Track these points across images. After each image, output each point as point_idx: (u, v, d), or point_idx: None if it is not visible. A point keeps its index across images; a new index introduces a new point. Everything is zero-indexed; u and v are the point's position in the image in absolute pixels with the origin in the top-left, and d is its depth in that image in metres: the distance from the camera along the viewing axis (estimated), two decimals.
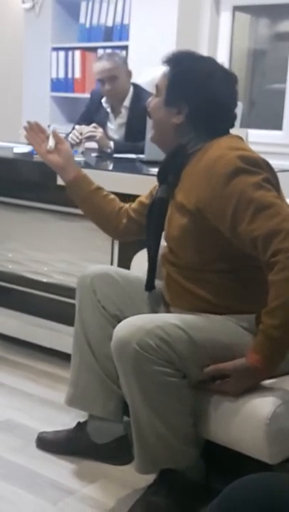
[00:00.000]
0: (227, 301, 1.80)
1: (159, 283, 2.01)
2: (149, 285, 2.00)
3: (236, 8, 4.51)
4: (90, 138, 3.36)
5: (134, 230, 2.13)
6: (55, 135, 2.13)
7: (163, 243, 1.96)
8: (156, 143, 1.95)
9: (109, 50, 4.23)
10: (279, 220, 1.62)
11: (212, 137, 1.81)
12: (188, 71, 1.83)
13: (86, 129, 3.37)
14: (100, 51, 4.63)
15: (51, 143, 2.11)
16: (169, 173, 1.88)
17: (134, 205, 2.14)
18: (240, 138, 1.85)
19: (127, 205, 2.16)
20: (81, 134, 3.37)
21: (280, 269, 1.59)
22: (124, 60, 3.53)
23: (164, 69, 1.88)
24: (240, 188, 1.66)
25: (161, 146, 1.94)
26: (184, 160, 1.83)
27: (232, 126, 1.87)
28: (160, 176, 1.93)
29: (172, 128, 1.86)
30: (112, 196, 2.17)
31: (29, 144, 2.20)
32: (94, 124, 3.41)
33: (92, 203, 2.15)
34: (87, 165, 2.91)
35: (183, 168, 1.84)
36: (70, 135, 3.44)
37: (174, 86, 1.84)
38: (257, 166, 1.71)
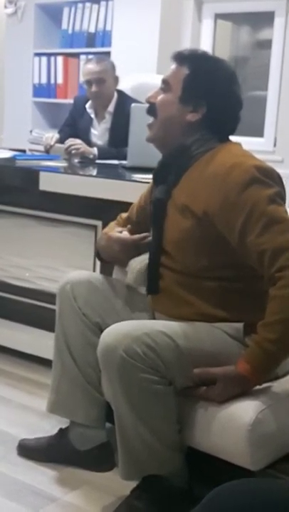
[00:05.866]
0: (219, 310, 1.79)
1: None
2: (153, 289, 1.91)
3: (218, 16, 4.54)
4: (74, 153, 3.38)
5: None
6: None
7: None
8: (157, 141, 1.88)
9: (91, 56, 4.24)
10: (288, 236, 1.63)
11: (218, 141, 1.81)
12: (213, 71, 1.81)
13: (66, 143, 3.39)
14: (83, 57, 4.64)
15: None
16: (169, 173, 1.85)
17: (132, 211, 2.08)
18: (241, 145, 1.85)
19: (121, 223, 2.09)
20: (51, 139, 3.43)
21: (283, 285, 1.60)
22: (113, 66, 3.56)
23: (173, 65, 1.84)
24: (253, 199, 1.66)
25: (161, 144, 1.88)
26: (187, 162, 1.81)
27: (234, 131, 1.86)
28: (158, 176, 1.90)
29: (182, 126, 1.81)
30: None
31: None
32: (70, 140, 3.41)
33: None
34: (69, 171, 2.91)
35: (186, 169, 1.81)
36: (43, 139, 3.47)
37: (195, 83, 1.80)
38: (271, 179, 1.70)
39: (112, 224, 2.15)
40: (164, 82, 1.85)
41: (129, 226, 2.00)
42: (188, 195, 1.78)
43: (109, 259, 2.07)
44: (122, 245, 1.95)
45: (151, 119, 1.87)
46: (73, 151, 3.36)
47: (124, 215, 2.14)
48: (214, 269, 1.78)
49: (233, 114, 1.84)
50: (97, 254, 2.09)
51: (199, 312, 1.80)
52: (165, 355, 1.68)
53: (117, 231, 2.00)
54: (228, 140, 1.85)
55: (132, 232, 1.98)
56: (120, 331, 1.71)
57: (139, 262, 2.04)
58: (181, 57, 1.84)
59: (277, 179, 1.73)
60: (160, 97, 1.85)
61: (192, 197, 1.77)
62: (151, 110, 1.87)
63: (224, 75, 1.82)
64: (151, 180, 1.98)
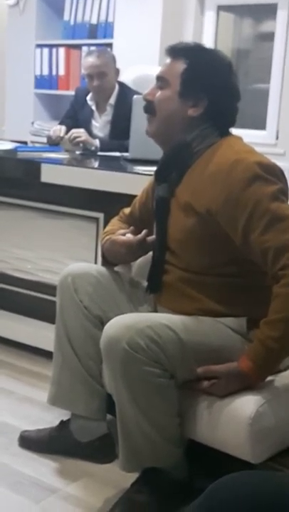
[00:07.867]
0: (223, 305, 1.79)
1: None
2: (154, 287, 1.92)
3: (220, 8, 4.52)
4: (76, 141, 3.37)
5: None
6: None
7: None
8: (158, 137, 1.85)
9: (93, 48, 4.22)
10: None
11: (219, 135, 1.79)
12: (211, 63, 1.79)
13: (69, 134, 3.39)
14: (85, 48, 4.63)
15: None
16: (172, 171, 1.82)
17: (135, 207, 2.07)
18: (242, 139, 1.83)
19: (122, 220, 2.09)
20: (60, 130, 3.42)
21: (286, 283, 1.60)
22: (114, 58, 3.55)
23: (167, 60, 1.81)
24: (256, 196, 1.64)
25: (162, 141, 1.86)
26: (189, 159, 1.79)
27: (234, 123, 1.84)
28: (160, 174, 1.88)
29: (183, 121, 1.79)
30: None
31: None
32: (73, 130, 3.42)
33: None
34: (71, 163, 2.91)
35: (188, 166, 1.79)
36: (51, 132, 3.46)
37: (194, 77, 1.77)
38: (274, 175, 1.68)
39: (115, 220, 2.14)
40: (160, 78, 1.82)
41: (132, 228, 1.98)
42: (190, 194, 1.77)
43: (116, 261, 2.06)
44: (128, 248, 1.93)
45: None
46: (77, 139, 3.35)
47: (126, 210, 2.13)
48: (218, 266, 1.77)
49: (233, 106, 1.82)
50: (103, 257, 2.07)
51: (203, 308, 1.79)
52: (168, 349, 1.68)
53: (120, 233, 1.98)
54: (229, 133, 1.84)
55: (136, 230, 1.96)
56: (123, 323, 1.71)
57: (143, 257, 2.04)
58: (175, 51, 1.81)
59: (280, 175, 1.71)
60: (158, 94, 1.82)
61: (195, 195, 1.75)
62: (149, 108, 1.84)
63: (222, 66, 1.80)
64: (153, 173, 1.96)
